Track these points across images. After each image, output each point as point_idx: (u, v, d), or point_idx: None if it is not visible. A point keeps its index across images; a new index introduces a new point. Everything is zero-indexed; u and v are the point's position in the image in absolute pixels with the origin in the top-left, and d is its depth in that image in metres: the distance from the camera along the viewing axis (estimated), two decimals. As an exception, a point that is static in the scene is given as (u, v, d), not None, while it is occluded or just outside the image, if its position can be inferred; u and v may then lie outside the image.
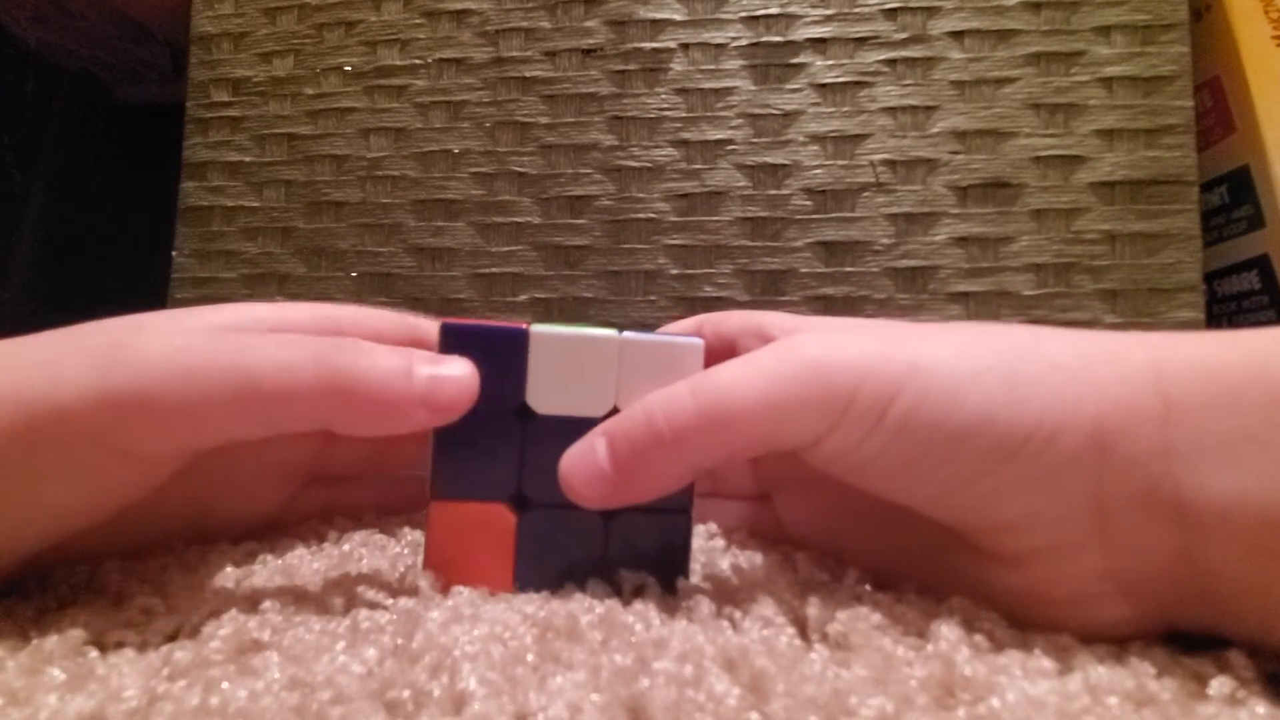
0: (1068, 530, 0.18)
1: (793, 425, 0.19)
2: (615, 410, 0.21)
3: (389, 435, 0.20)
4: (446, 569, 0.21)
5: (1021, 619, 0.18)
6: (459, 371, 0.20)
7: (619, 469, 0.19)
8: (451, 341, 0.21)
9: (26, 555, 0.20)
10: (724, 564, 0.24)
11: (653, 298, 0.47)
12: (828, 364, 0.18)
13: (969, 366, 0.18)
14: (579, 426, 0.20)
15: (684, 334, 0.23)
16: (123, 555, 0.24)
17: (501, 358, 0.21)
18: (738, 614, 0.19)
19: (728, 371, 0.19)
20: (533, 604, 0.19)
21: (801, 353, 0.19)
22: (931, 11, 0.46)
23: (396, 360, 0.20)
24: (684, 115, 0.47)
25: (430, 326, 0.25)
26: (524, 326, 0.21)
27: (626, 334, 0.21)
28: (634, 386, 0.21)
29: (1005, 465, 0.17)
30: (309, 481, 0.28)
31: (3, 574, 0.20)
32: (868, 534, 0.23)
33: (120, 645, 0.18)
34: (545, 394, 0.21)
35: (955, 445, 0.18)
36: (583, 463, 0.20)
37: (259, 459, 0.25)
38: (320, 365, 0.19)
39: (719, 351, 0.27)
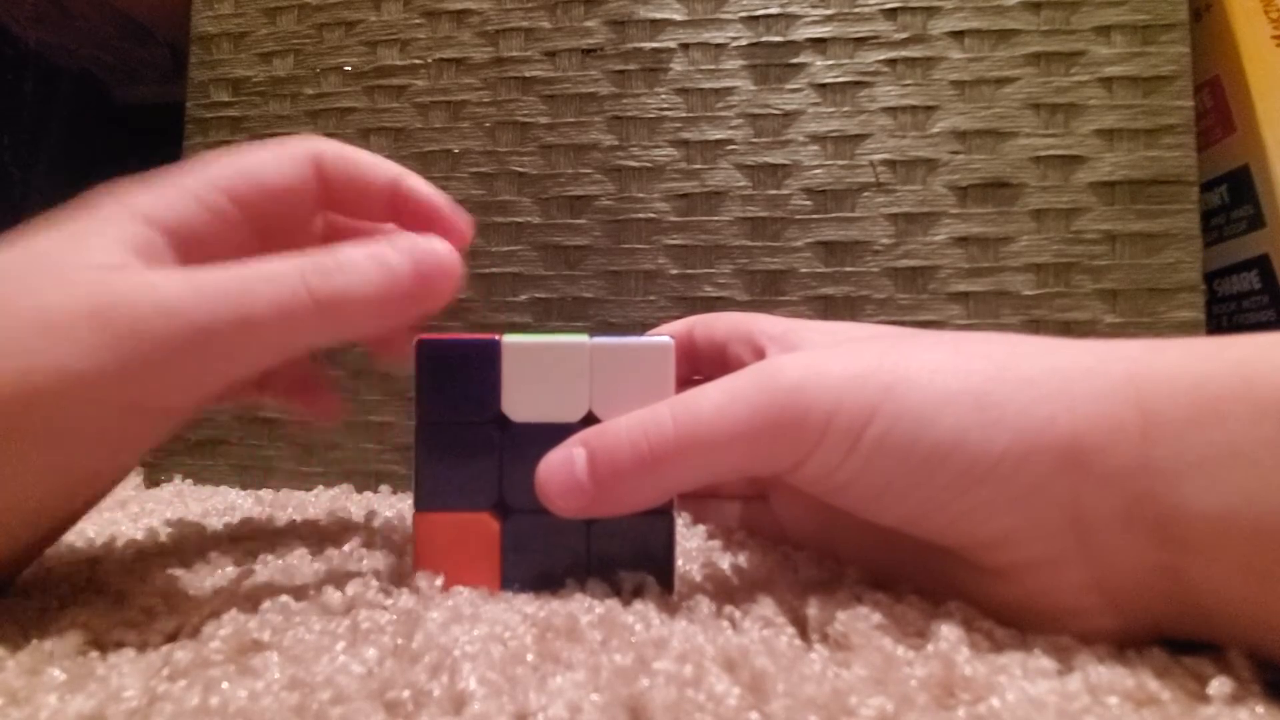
0: (1048, 546, 0.18)
1: (770, 453, 0.19)
2: (590, 414, 0.22)
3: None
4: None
5: (1015, 626, 0.18)
6: (437, 246, 0.20)
7: (598, 484, 0.20)
8: (426, 357, 0.22)
9: (57, 521, 0.20)
10: (724, 564, 0.24)
11: (653, 298, 0.47)
12: (803, 391, 0.19)
13: (941, 388, 0.18)
14: (556, 432, 0.21)
15: (675, 335, 0.23)
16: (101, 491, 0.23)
17: (476, 369, 0.22)
18: (738, 614, 0.19)
19: (708, 399, 0.19)
20: (533, 604, 0.19)
21: (780, 379, 0.19)
22: (931, 11, 0.46)
23: (375, 263, 0.19)
24: (684, 115, 0.47)
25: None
26: (495, 338, 0.22)
27: (596, 339, 0.22)
28: (607, 390, 0.22)
29: (978, 486, 0.17)
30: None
31: (36, 543, 0.20)
32: (862, 540, 0.23)
33: (120, 645, 0.18)
34: (521, 402, 0.22)
35: (928, 468, 0.18)
36: (561, 473, 0.20)
37: None
38: (311, 292, 0.19)
39: (709, 356, 0.27)
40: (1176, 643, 0.18)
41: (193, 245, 0.21)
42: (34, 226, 0.20)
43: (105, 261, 0.19)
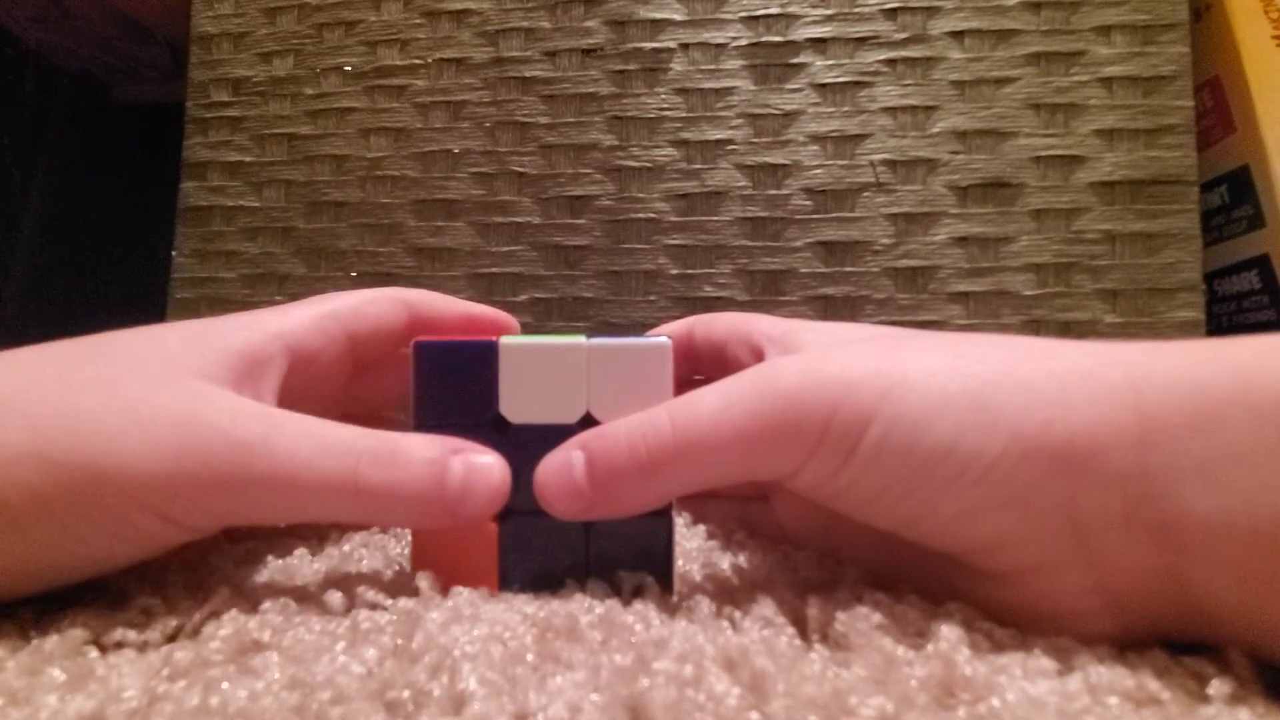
0: (1045, 550, 0.18)
1: (768, 458, 0.19)
2: (588, 415, 0.22)
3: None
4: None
5: (1015, 628, 0.18)
6: (494, 474, 0.20)
7: (596, 488, 0.20)
8: (424, 359, 0.22)
9: (48, 589, 0.20)
10: (724, 564, 0.24)
11: (653, 298, 0.47)
12: (801, 396, 0.19)
13: (939, 391, 0.18)
14: (554, 434, 0.21)
15: (675, 335, 0.23)
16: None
17: (474, 371, 0.22)
18: (738, 614, 0.19)
19: (705, 402, 0.19)
20: (533, 604, 0.19)
21: (778, 383, 0.19)
22: (931, 11, 0.46)
23: (429, 468, 0.20)
24: (684, 115, 0.47)
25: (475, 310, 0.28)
26: (493, 340, 0.22)
27: (593, 340, 0.22)
28: (604, 391, 0.22)
29: (974, 488, 0.17)
30: None
31: (19, 597, 0.20)
32: (862, 541, 0.23)
33: (120, 645, 0.18)
34: (518, 404, 0.22)
35: (925, 470, 0.18)
36: (559, 476, 0.20)
37: None
38: (358, 478, 0.19)
39: (709, 356, 0.27)
40: (1176, 643, 0.18)
41: (305, 361, 0.24)
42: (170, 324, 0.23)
43: (206, 372, 0.21)
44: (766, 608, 0.19)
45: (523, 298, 0.48)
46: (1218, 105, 0.48)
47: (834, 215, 0.46)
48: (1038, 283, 0.44)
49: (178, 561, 0.24)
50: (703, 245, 0.47)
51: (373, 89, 0.51)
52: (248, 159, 0.52)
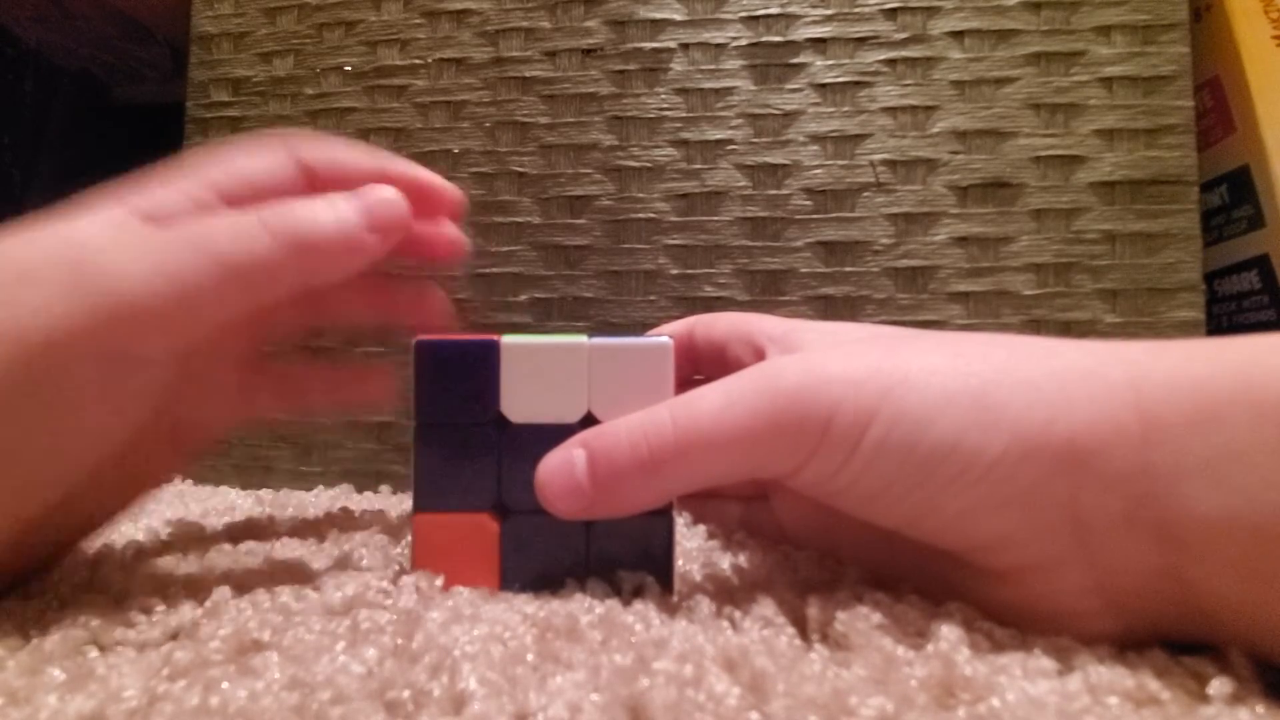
0: (1046, 549, 0.18)
1: (770, 456, 0.19)
2: (589, 415, 0.22)
3: (348, 274, 0.22)
4: None
5: (1015, 628, 0.18)
6: (386, 193, 0.22)
7: (597, 486, 0.20)
8: (425, 357, 0.22)
9: (49, 501, 0.20)
10: (724, 564, 0.24)
11: (653, 298, 0.47)
12: (803, 394, 0.19)
13: (940, 390, 0.18)
14: (555, 433, 0.21)
15: (675, 335, 0.23)
16: (115, 505, 0.24)
17: (475, 370, 0.22)
18: (738, 614, 0.19)
19: (707, 401, 0.19)
20: (533, 604, 0.19)
21: (779, 381, 0.19)
22: (931, 11, 0.46)
23: (326, 206, 0.21)
24: (684, 115, 0.47)
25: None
26: (495, 339, 0.22)
27: (594, 339, 0.22)
28: (606, 391, 0.22)
29: (976, 487, 0.17)
30: (258, 367, 0.28)
31: (29, 529, 0.20)
32: (863, 541, 0.23)
33: (120, 645, 0.18)
34: (520, 403, 0.22)
35: (927, 469, 0.18)
36: (560, 474, 0.20)
37: (211, 355, 0.25)
38: (274, 235, 0.20)
39: (709, 356, 0.27)
40: (1176, 643, 0.18)
41: None
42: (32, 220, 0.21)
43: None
44: (766, 608, 0.19)
45: (523, 298, 0.48)
46: (1218, 105, 0.48)
47: (834, 215, 0.46)
48: (1038, 283, 0.44)
49: (178, 562, 0.24)
50: (703, 245, 0.47)
51: (373, 89, 0.51)
52: (248, 159, 0.52)
